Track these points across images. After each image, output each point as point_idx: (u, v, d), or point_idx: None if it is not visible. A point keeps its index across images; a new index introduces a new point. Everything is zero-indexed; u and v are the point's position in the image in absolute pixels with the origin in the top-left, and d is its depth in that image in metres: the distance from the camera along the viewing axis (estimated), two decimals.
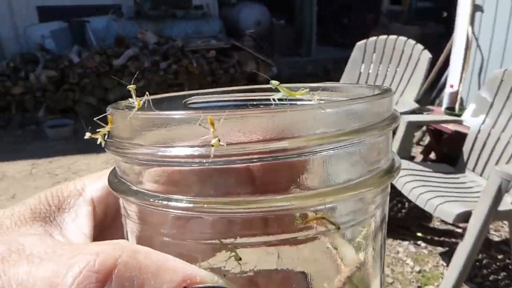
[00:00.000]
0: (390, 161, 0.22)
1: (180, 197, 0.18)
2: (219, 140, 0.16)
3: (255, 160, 0.17)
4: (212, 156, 0.17)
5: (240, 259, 0.18)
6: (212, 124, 0.17)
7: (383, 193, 0.22)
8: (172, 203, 0.18)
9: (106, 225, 0.24)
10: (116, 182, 0.21)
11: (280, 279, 0.20)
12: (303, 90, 0.23)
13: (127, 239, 0.22)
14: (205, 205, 0.18)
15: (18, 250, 0.18)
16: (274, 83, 0.23)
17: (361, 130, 0.19)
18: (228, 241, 0.18)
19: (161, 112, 0.19)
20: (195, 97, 0.29)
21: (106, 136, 0.22)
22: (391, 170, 0.21)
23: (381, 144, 0.21)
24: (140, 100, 0.23)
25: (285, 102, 0.24)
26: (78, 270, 0.15)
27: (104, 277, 0.15)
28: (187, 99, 0.29)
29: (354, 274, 0.21)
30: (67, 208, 0.23)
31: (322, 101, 0.20)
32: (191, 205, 0.18)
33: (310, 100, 0.23)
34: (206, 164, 0.18)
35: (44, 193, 0.23)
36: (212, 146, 0.16)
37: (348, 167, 0.19)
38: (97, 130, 0.22)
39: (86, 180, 0.25)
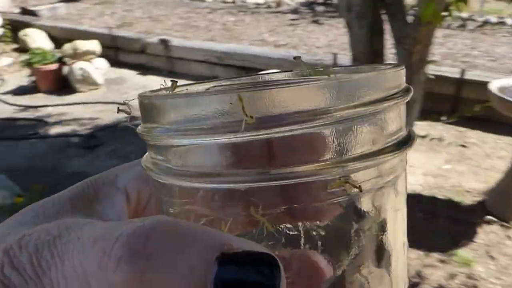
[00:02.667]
0: (406, 133, 0.23)
1: (213, 172, 0.19)
2: (252, 117, 0.17)
3: (287, 131, 0.18)
4: (243, 129, 0.18)
5: (277, 229, 0.19)
6: (242, 101, 0.17)
7: (401, 164, 0.22)
8: (204, 178, 0.19)
9: (139, 213, 0.25)
10: (151, 164, 0.22)
11: (305, 258, 0.21)
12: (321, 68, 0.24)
13: None
14: (232, 177, 0.19)
15: (67, 228, 0.19)
16: (297, 58, 0.24)
17: (378, 101, 0.20)
18: (257, 213, 0.19)
19: (195, 91, 0.20)
20: (213, 84, 0.30)
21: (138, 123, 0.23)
22: (408, 141, 0.22)
23: (397, 116, 0.22)
24: (171, 88, 0.25)
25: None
26: (127, 227, 0.17)
27: (149, 236, 0.16)
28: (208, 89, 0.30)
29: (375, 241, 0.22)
30: (103, 198, 0.24)
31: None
32: (221, 178, 0.19)
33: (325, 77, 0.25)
34: (238, 138, 0.18)
35: (80, 184, 0.24)
36: (246, 121, 0.17)
37: (366, 138, 0.20)
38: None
39: (118, 170, 0.26)
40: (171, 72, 4.44)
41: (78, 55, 4.18)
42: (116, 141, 3.13)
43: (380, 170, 0.21)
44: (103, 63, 4.50)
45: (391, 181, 0.22)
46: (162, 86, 0.25)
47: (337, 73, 0.27)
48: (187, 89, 0.26)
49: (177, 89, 0.25)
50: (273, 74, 0.30)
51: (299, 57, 0.24)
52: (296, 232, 0.20)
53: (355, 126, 0.19)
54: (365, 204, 0.21)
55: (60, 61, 4.20)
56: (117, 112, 0.25)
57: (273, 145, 0.19)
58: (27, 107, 3.85)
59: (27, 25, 5.49)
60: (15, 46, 5.36)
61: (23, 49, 5.01)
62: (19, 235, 0.19)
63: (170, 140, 0.21)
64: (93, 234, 0.17)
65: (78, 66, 4.08)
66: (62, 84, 4.14)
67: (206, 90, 0.29)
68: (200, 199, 0.20)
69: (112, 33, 5.02)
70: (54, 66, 4.13)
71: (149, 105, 0.22)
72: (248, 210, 0.19)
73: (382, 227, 0.22)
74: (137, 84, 4.24)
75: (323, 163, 0.19)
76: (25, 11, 6.29)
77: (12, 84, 4.39)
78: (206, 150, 0.20)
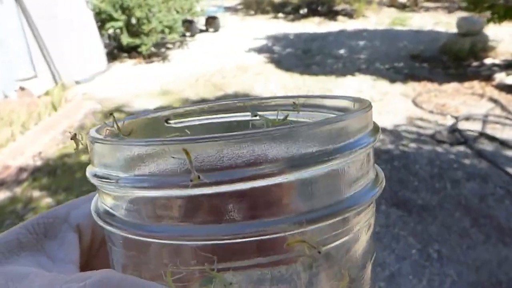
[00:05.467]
0: (373, 178, 0.22)
1: (165, 225, 0.19)
2: (199, 177, 0.17)
3: (229, 188, 0.17)
4: (191, 186, 0.17)
5: (231, 283, 0.18)
6: (188, 154, 0.17)
7: (368, 209, 0.22)
8: (154, 233, 0.19)
9: (93, 252, 0.24)
10: (99, 211, 0.21)
11: None
12: (280, 115, 0.24)
13: (113, 268, 0.22)
14: (187, 234, 0.18)
15: (7, 280, 0.18)
16: (252, 110, 0.23)
17: (340, 150, 0.19)
18: (213, 267, 0.18)
19: (135, 141, 0.20)
20: (176, 116, 0.29)
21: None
22: (375, 186, 0.21)
23: (362, 163, 0.21)
24: (119, 125, 0.24)
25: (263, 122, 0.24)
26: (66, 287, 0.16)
27: None
28: (168, 118, 0.29)
29: None
30: (53, 236, 0.23)
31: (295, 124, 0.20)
32: (175, 234, 0.18)
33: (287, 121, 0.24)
34: (186, 195, 0.18)
35: (29, 222, 0.23)
36: (191, 181, 0.17)
37: (326, 191, 0.19)
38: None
39: (72, 205, 0.25)
40: None
41: None
42: None
43: (346, 220, 0.20)
44: None
45: (356, 231, 0.21)
46: (106, 123, 0.24)
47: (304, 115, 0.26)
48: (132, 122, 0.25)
49: (127, 122, 0.24)
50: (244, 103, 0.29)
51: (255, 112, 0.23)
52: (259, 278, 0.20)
53: (313, 181, 0.19)
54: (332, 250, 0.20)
55: None
56: (71, 139, 0.24)
57: (225, 199, 0.18)
58: None
59: None
60: None
61: None
62: None
63: (118, 189, 0.20)
64: None
65: None
66: None
67: (167, 120, 0.28)
68: (152, 254, 0.20)
69: None
70: None
71: (97, 148, 0.21)
72: (202, 265, 0.18)
73: (341, 272, 0.21)
74: None
75: (280, 219, 0.18)
76: None
77: None
78: (155, 203, 0.19)
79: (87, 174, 0.22)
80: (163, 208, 0.19)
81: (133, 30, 5.88)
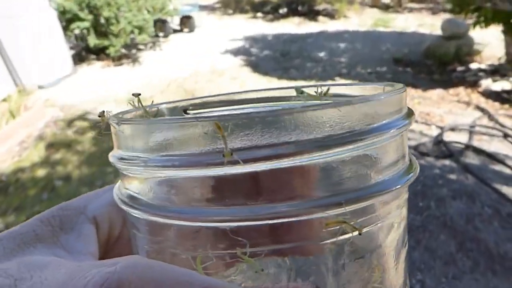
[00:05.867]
0: (407, 163, 0.21)
1: (194, 206, 0.18)
2: (231, 153, 0.16)
3: (264, 167, 0.17)
4: (225, 163, 0.17)
5: (262, 270, 0.18)
6: (220, 129, 0.17)
7: (401, 197, 0.21)
8: (183, 215, 0.18)
9: (111, 244, 0.24)
10: (123, 197, 0.21)
11: None
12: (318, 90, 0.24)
13: (137, 254, 0.22)
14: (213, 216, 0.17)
15: (29, 270, 0.17)
16: (298, 89, 0.25)
17: (372, 131, 0.18)
18: (240, 251, 0.18)
19: (166, 119, 0.19)
20: (195, 106, 0.29)
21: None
22: (408, 172, 0.20)
23: (396, 146, 0.20)
24: (145, 110, 0.24)
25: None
26: (95, 273, 0.16)
27: (122, 285, 0.15)
28: (187, 109, 0.29)
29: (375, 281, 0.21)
30: (69, 228, 0.22)
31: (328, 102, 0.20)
32: (205, 215, 0.18)
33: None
34: (218, 173, 0.17)
35: (45, 214, 0.23)
36: (224, 156, 0.16)
37: (360, 173, 0.19)
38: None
39: (88, 197, 0.24)
40: None
41: None
42: None
43: (377, 207, 0.20)
44: None
45: (391, 216, 0.21)
46: (130, 105, 0.24)
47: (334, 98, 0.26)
48: (158, 108, 0.26)
49: (149, 109, 0.25)
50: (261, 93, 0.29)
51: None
52: (283, 268, 0.19)
53: (349, 162, 0.18)
54: (359, 240, 0.19)
55: None
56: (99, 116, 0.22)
57: (259, 179, 0.18)
58: None
59: None
60: None
61: None
62: None
63: (146, 171, 0.19)
64: (58, 279, 0.16)
65: None
66: None
67: (186, 110, 0.28)
68: (179, 238, 0.19)
69: None
70: None
71: (124, 130, 0.20)
72: (233, 249, 0.18)
73: (373, 263, 0.21)
74: None
75: (314, 202, 0.17)
76: None
77: None
78: (185, 184, 0.18)
79: (111, 159, 0.21)
80: (192, 189, 0.18)
81: (101, 31, 5.48)
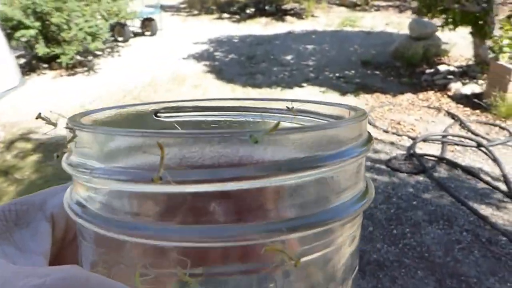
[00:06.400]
0: (362, 189, 0.21)
1: (139, 222, 0.18)
2: (160, 178, 0.16)
3: (202, 189, 0.17)
4: (152, 183, 0.16)
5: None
6: (162, 149, 0.16)
7: (352, 223, 0.21)
8: (131, 231, 0.18)
9: (66, 242, 0.23)
10: (72, 202, 0.20)
11: None
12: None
13: (81, 263, 0.21)
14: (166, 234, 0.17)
15: None
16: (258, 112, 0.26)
17: (330, 159, 0.18)
18: (186, 271, 0.17)
19: (113, 130, 0.18)
20: (167, 110, 0.28)
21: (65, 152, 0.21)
22: (364, 198, 0.20)
23: (354, 172, 0.20)
24: (104, 112, 0.24)
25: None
26: (24, 283, 0.15)
27: None
28: (158, 112, 0.28)
29: None
30: (25, 224, 0.22)
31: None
32: (149, 233, 0.17)
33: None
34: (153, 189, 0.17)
35: (1, 208, 0.22)
36: (152, 180, 0.16)
37: (315, 196, 0.19)
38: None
39: (46, 194, 0.23)
40: None
41: None
42: None
43: (329, 231, 0.19)
44: None
45: (339, 243, 0.20)
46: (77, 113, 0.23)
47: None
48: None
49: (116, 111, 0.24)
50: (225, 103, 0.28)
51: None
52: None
53: (299, 188, 0.18)
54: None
55: None
56: (36, 118, 0.22)
57: (204, 200, 0.17)
58: None
59: None
60: None
61: None
62: None
63: (92, 180, 0.19)
64: None
65: None
66: None
67: (157, 113, 0.27)
68: (122, 251, 0.19)
69: None
70: None
71: (78, 134, 0.20)
72: (174, 267, 0.17)
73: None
74: None
75: (260, 224, 0.17)
76: None
77: None
78: (130, 198, 0.18)
79: (62, 162, 0.21)
80: (137, 204, 0.18)
81: (52, 38, 5.07)
